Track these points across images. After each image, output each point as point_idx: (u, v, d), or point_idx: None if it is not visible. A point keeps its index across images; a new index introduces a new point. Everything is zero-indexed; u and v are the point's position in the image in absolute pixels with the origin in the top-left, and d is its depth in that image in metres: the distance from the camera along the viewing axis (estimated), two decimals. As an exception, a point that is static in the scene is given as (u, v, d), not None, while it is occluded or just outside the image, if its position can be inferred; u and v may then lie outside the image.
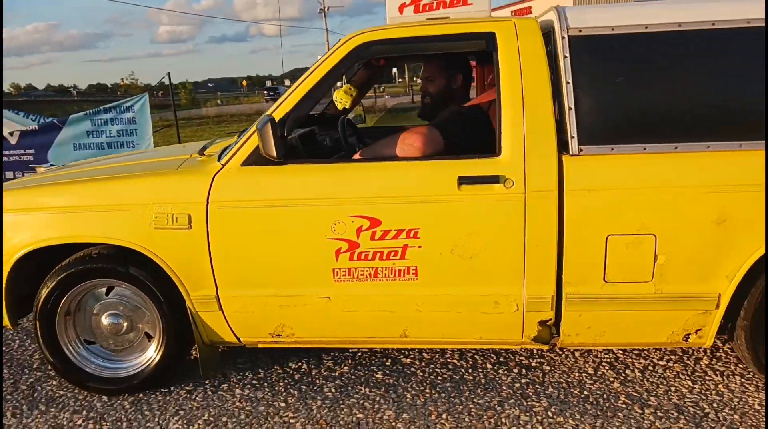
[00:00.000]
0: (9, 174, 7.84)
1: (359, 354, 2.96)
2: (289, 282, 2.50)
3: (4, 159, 7.88)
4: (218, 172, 2.48)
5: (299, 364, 2.90)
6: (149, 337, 2.73)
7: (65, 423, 2.53)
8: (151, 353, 2.71)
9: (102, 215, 2.52)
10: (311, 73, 2.48)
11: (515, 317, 2.44)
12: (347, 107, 3.10)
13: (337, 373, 2.80)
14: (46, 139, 8.12)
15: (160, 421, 2.50)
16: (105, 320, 2.68)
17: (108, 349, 2.77)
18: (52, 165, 7.19)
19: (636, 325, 2.43)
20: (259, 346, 2.73)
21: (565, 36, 2.33)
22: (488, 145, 2.39)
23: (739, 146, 2.25)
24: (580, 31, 2.34)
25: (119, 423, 2.51)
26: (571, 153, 2.29)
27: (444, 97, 2.79)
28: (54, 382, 2.85)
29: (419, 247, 2.39)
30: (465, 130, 2.57)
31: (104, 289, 2.68)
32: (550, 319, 2.43)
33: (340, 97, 3.07)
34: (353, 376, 2.77)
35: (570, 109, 2.30)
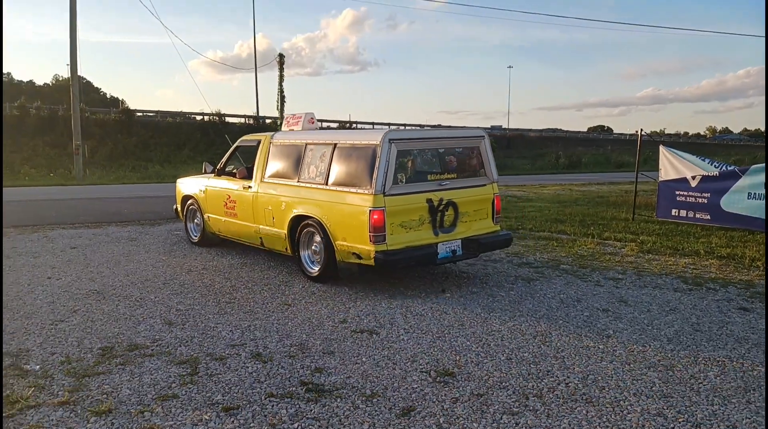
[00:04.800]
0: (683, 212, 9.17)
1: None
2: (217, 213, 7.69)
3: (683, 199, 9.18)
4: (211, 176, 7.89)
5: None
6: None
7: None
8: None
9: (191, 189, 8.33)
10: (228, 152, 7.87)
11: (257, 236, 6.91)
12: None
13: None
14: (724, 186, 8.77)
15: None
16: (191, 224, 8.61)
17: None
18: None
19: (275, 242, 6.63)
20: (219, 236, 7.85)
21: (270, 143, 6.95)
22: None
23: (296, 183, 6.38)
24: (273, 141, 6.94)
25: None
26: (262, 181, 6.83)
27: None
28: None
29: (235, 206, 7.27)
30: (251, 172, 7.12)
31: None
32: (262, 238, 6.84)
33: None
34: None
35: (264, 167, 6.89)
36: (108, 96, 64.20)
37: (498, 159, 29.69)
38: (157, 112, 36.86)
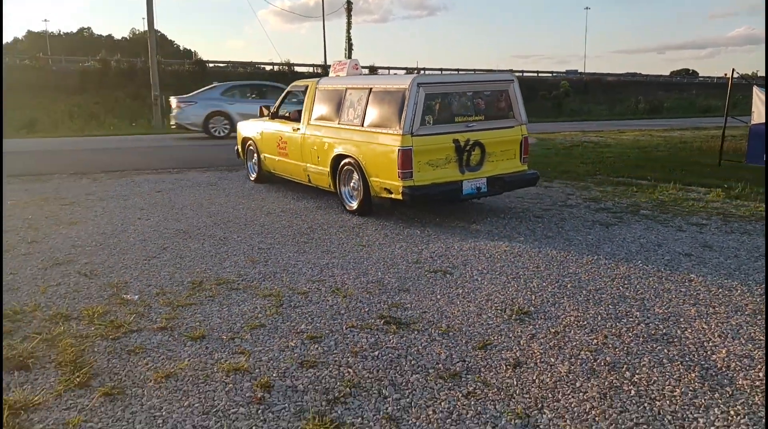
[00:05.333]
0: None
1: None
2: (271, 153, 8.37)
3: None
4: (266, 119, 8.50)
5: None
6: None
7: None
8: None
9: (249, 131, 9.02)
10: (281, 96, 8.59)
11: (305, 173, 7.52)
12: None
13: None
14: None
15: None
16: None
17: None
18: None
19: (320, 179, 7.30)
20: (273, 175, 8.58)
21: (316, 88, 7.41)
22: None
23: (337, 125, 6.89)
24: (318, 86, 7.41)
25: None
26: (309, 124, 7.36)
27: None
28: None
29: (287, 146, 7.87)
30: (296, 115, 7.84)
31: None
32: (309, 176, 7.43)
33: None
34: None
35: (311, 111, 7.37)
36: (181, 48, 65.69)
37: (573, 104, 28.48)
38: (228, 62, 37.54)
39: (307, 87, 7.62)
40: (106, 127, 21.87)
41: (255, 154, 8.91)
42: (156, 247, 5.47)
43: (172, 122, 16.51)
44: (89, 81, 30.73)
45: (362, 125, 6.41)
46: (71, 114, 24.68)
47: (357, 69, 7.45)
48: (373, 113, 6.32)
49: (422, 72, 38.35)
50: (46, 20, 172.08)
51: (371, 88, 6.45)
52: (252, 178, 9.07)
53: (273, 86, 17.24)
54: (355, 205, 6.72)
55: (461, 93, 6.42)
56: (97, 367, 3.14)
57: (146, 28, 23.91)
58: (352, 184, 6.78)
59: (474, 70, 41.52)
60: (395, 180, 5.96)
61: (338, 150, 6.70)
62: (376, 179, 6.26)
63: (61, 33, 74.17)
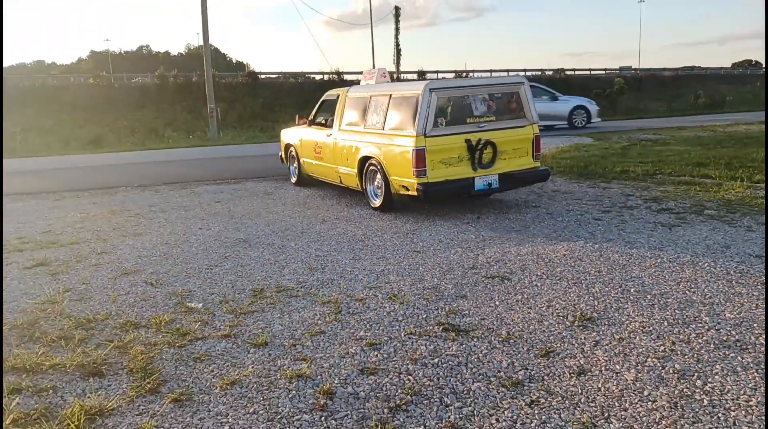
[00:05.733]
0: None
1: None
2: (309, 158, 9.05)
3: None
4: (305, 126, 9.18)
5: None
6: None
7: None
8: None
9: (291, 138, 9.78)
10: (317, 104, 9.12)
11: (337, 175, 8.12)
12: None
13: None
14: None
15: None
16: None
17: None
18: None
19: (349, 180, 7.88)
20: (311, 177, 9.28)
21: (346, 96, 8.11)
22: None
23: (363, 129, 7.53)
24: (348, 94, 8.11)
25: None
26: (340, 129, 8.02)
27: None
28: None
29: (321, 151, 8.53)
30: (331, 122, 8.43)
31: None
32: (341, 177, 8.03)
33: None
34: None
35: (341, 117, 8.04)
36: (234, 61, 67.57)
37: (629, 102, 27.55)
38: (279, 73, 38.34)
39: (338, 96, 8.31)
40: (164, 141, 22.69)
41: (296, 159, 9.63)
42: (217, 256, 5.63)
43: None
44: (148, 96, 31.98)
45: (383, 129, 7.03)
46: (133, 129, 25.74)
47: (385, 77, 8.13)
48: (392, 117, 6.91)
49: (471, 75, 38.13)
50: (107, 40, 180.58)
51: (391, 95, 7.04)
52: (293, 181, 9.90)
53: (540, 88, 19.46)
54: (378, 202, 7.31)
55: (473, 96, 6.90)
56: (166, 374, 3.26)
57: (200, 43, 24.71)
58: (376, 183, 7.37)
59: (524, 71, 41.00)
60: (411, 178, 6.52)
61: (364, 152, 7.31)
62: (395, 178, 6.83)
63: (122, 51, 77.64)
